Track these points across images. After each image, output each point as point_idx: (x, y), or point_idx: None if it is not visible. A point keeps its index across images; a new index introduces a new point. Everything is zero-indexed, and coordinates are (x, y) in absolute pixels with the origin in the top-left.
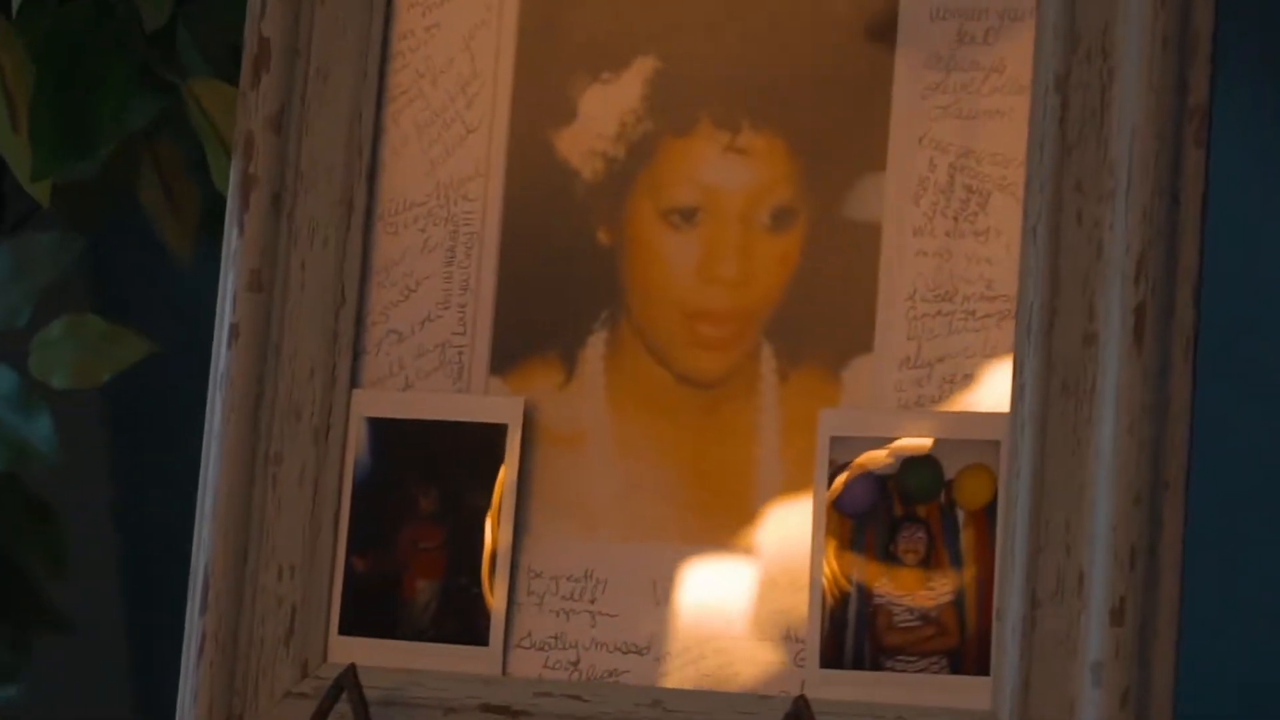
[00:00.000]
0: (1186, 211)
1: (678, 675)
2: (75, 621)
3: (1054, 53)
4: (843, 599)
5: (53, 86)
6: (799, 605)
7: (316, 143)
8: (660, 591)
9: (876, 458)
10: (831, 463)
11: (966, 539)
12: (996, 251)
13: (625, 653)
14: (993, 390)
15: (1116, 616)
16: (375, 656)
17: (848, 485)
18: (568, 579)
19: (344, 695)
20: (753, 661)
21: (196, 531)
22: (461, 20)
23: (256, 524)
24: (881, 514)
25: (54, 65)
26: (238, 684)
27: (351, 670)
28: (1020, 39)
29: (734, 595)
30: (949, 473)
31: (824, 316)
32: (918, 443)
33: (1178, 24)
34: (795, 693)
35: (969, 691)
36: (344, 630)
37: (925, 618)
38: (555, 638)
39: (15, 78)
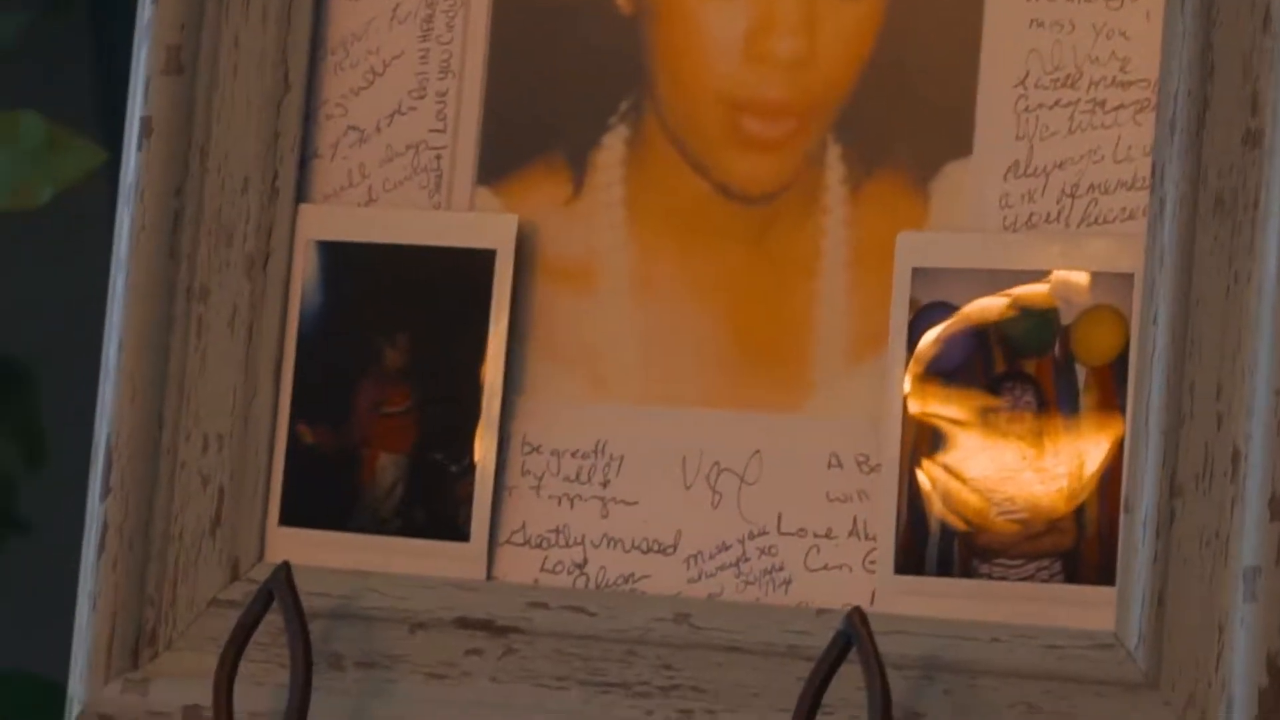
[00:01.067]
0: None
1: (712, 581)
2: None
3: None
4: (925, 484)
5: None
6: (870, 490)
7: None
8: (691, 471)
9: (973, 297)
10: (913, 303)
11: (1088, 404)
12: (1133, 22)
13: (646, 552)
14: (1125, 206)
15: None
16: (324, 554)
17: (935, 332)
18: (572, 454)
19: (276, 603)
20: (809, 566)
21: (101, 391)
22: None
23: (175, 381)
24: (978, 371)
25: None
26: (150, 589)
27: (284, 571)
28: None
29: (786, 476)
30: (1066, 317)
31: (909, 109)
32: (1027, 278)
33: None
34: (866, 607)
35: (1087, 605)
36: (285, 520)
37: (1032, 508)
38: (556, 531)
39: None
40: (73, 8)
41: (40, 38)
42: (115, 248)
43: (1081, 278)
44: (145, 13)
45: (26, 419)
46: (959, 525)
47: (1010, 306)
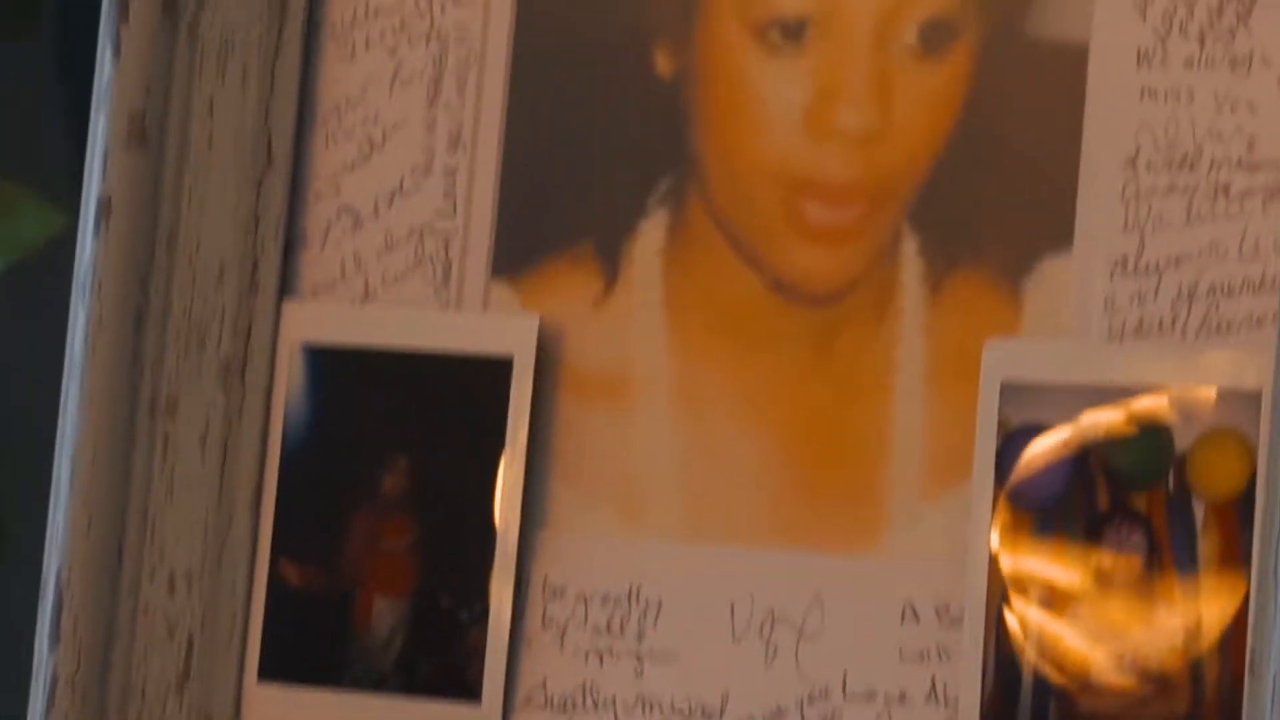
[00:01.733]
0: None
1: None
2: None
3: None
4: (1016, 639)
5: None
6: (951, 646)
7: None
8: (741, 621)
9: (1073, 419)
10: (1002, 424)
11: (1207, 547)
12: (1263, 91)
13: (687, 716)
14: (1253, 312)
15: None
16: (311, 715)
17: (1028, 461)
18: (603, 600)
19: None
20: None
21: (51, 519)
22: None
23: (137, 508)
24: (1079, 505)
25: None
26: None
27: None
28: None
29: (852, 629)
30: (1182, 442)
31: (998, 191)
32: (1140, 398)
33: None
34: None
35: None
36: (265, 674)
37: (1141, 668)
38: (583, 691)
39: None
40: (36, 49)
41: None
42: (68, 349)
43: (1201, 396)
44: (104, 72)
45: None
46: (1056, 687)
47: (1116, 429)
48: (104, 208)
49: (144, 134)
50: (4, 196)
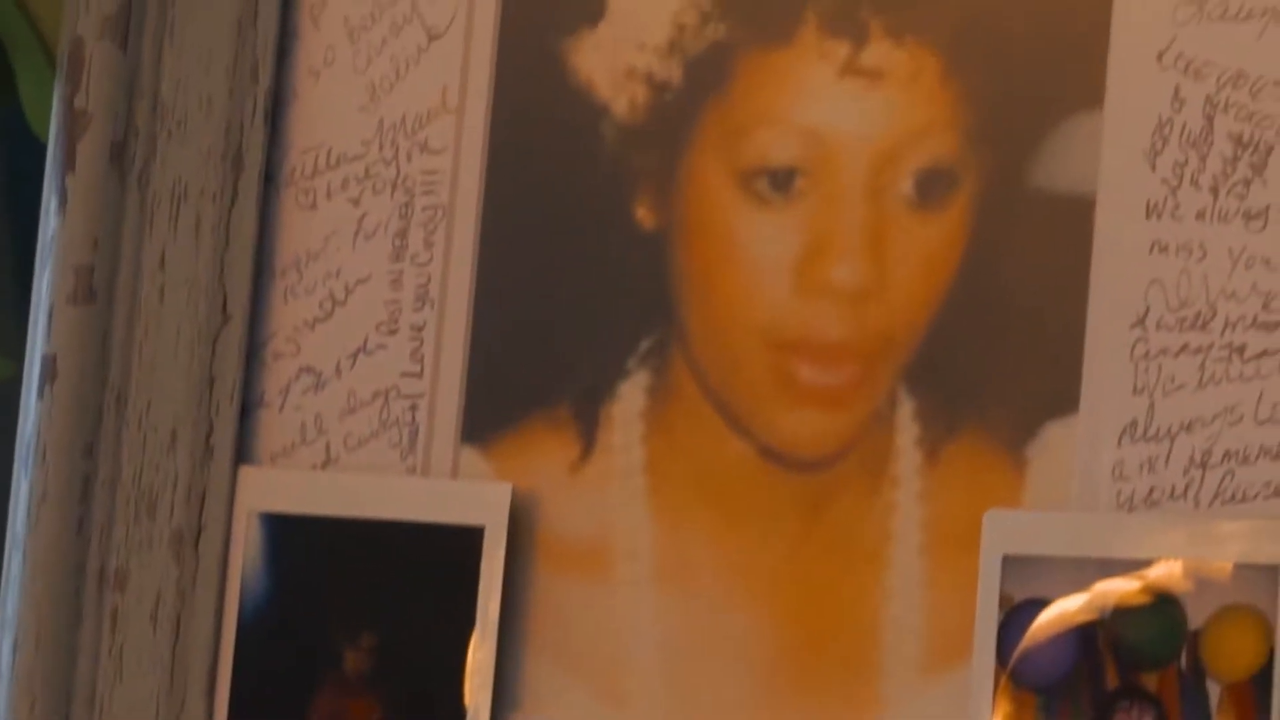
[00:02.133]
0: None
1: None
2: None
3: None
4: None
5: None
6: None
7: (185, 58)
8: None
9: (1079, 595)
10: (1004, 599)
11: None
12: None
13: None
14: (1270, 480)
15: None
16: None
17: (1031, 637)
18: None
19: None
20: None
21: None
22: None
23: (83, 688)
24: (1086, 685)
25: None
26: None
27: None
28: None
29: None
30: (1196, 619)
31: (1000, 351)
32: (1150, 572)
33: None
34: None
35: None
36: None
37: None
38: None
39: None
40: None
41: None
42: (10, 520)
43: (1215, 569)
44: (49, 226)
45: None
46: None
47: (1126, 604)
48: (49, 367)
49: (91, 289)
50: None
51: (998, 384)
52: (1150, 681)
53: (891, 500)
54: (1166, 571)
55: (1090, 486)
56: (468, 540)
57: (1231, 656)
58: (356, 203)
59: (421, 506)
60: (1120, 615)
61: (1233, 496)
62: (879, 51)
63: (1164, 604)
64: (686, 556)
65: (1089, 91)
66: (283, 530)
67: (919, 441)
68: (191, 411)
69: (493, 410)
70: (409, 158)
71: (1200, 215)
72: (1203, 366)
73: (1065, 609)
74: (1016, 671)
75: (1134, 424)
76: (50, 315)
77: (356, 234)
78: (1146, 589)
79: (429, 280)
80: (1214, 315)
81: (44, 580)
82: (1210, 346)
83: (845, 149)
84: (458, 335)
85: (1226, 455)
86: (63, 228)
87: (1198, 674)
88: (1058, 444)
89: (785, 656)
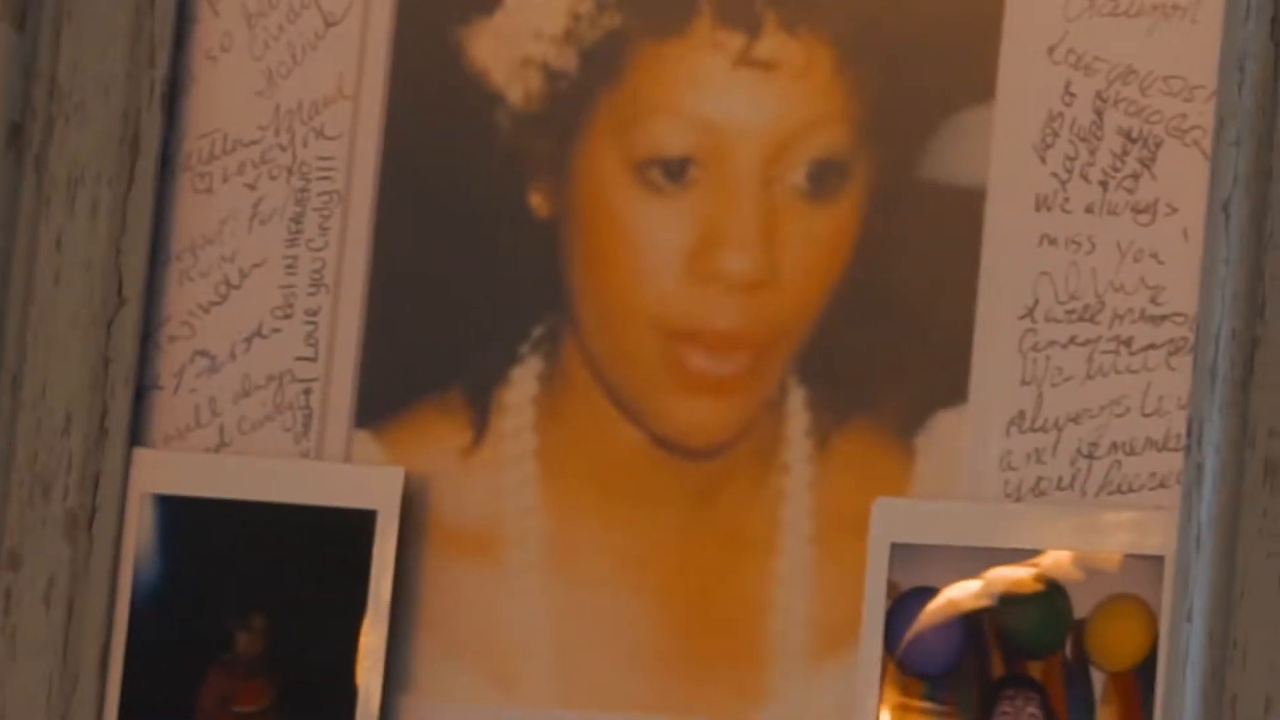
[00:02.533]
0: None
1: None
2: None
3: None
4: None
5: None
6: None
7: (82, 41)
8: None
9: (966, 583)
10: (892, 587)
11: (1107, 717)
12: (1168, 241)
13: None
14: (1155, 472)
15: None
16: None
17: (919, 625)
18: None
19: None
20: None
21: None
22: None
23: None
24: (972, 673)
25: None
26: None
27: None
28: None
29: None
30: (1081, 609)
31: (890, 341)
32: (1035, 561)
33: None
34: None
35: None
36: None
37: None
38: None
39: None
40: None
41: None
42: None
43: (1101, 560)
44: None
45: None
46: None
47: (1012, 593)
48: None
49: None
50: None
51: (887, 374)
52: (1036, 670)
53: (781, 488)
54: (1053, 561)
55: (978, 476)
56: (360, 524)
57: (1116, 646)
58: (253, 187)
59: (315, 490)
60: (1006, 604)
61: (1119, 487)
62: (773, 43)
63: (1050, 593)
64: (576, 543)
65: (981, 85)
66: (176, 512)
67: (809, 430)
68: (86, 394)
69: (386, 395)
70: (305, 143)
71: (1089, 209)
72: (1090, 359)
73: (952, 597)
74: (904, 659)
75: (1021, 415)
76: None
77: (252, 219)
78: (1032, 578)
79: (324, 265)
80: (1102, 308)
81: None
82: (1098, 339)
83: (738, 139)
84: (352, 320)
85: (1113, 446)
86: None
87: (1082, 663)
88: (946, 434)
89: (674, 642)
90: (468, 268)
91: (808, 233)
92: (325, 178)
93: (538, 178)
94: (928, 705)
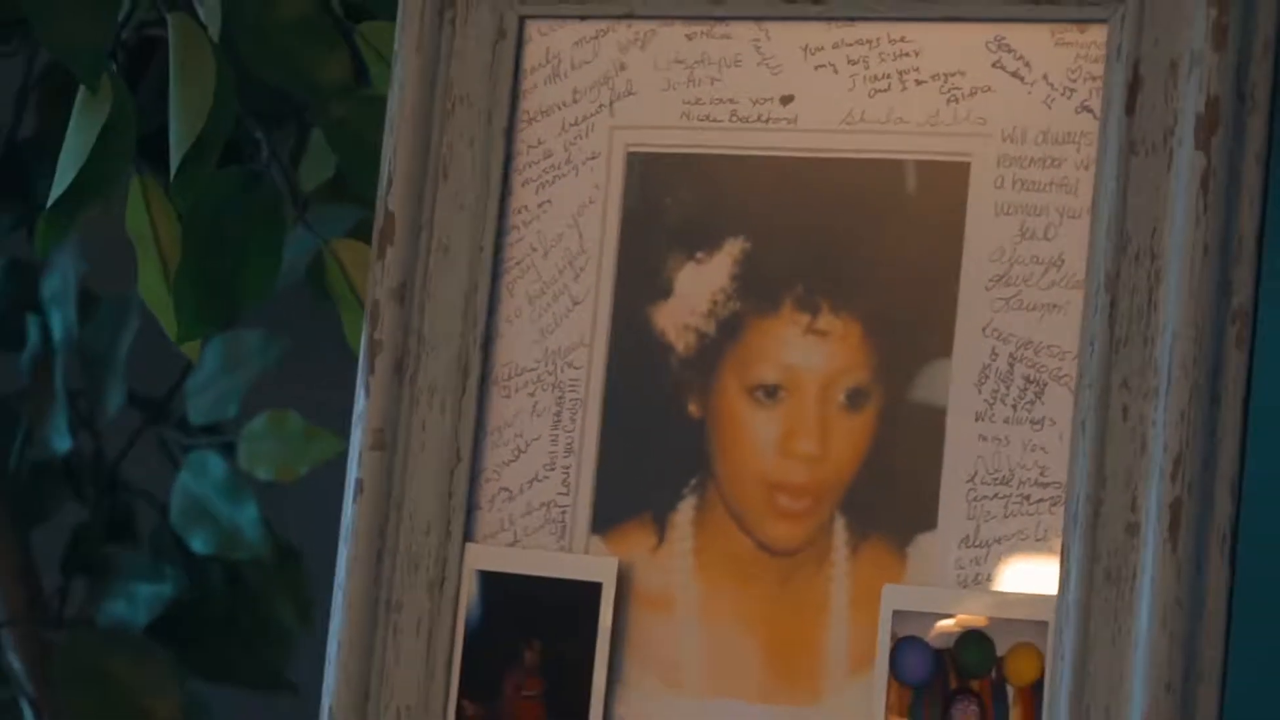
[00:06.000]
0: (1227, 411)
1: None
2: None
3: (1105, 252)
4: None
5: (198, 257)
6: None
7: (437, 312)
8: None
9: (935, 632)
10: (893, 635)
11: (1016, 715)
12: (1050, 440)
13: None
14: (1043, 573)
15: None
16: None
17: (908, 657)
18: None
19: None
20: None
21: (325, 674)
22: (571, 198)
23: (377, 668)
24: (938, 686)
25: (200, 236)
26: None
27: None
28: (1077, 235)
29: None
30: (1001, 649)
31: (893, 494)
32: (973, 619)
33: (1219, 229)
34: None
35: None
36: None
37: None
38: None
39: (168, 241)
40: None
41: (300, 354)
42: (337, 572)
43: (1012, 623)
44: (359, 405)
45: (298, 588)
46: None
47: (962, 640)
48: (359, 487)
49: (384, 442)
50: (308, 430)
51: (891, 511)
52: (975, 685)
53: (830, 575)
54: (985, 619)
55: (942, 572)
56: (593, 591)
57: (1020, 672)
58: (532, 395)
59: (567, 569)
60: (959, 643)
61: (1018, 583)
62: (825, 320)
63: (984, 638)
64: (715, 602)
65: (945, 347)
66: (489, 581)
67: (846, 543)
68: (440, 511)
69: (608, 515)
70: (562, 370)
71: (1006, 420)
72: (1006, 506)
73: (927, 642)
74: (900, 677)
75: (967, 537)
76: (360, 456)
77: (532, 413)
78: (974, 629)
79: (573, 440)
80: (1012, 477)
81: (355, 608)
82: (1010, 495)
83: (807, 376)
84: (589, 475)
85: (1011, 558)
86: (366, 407)
87: (1003, 682)
88: (925, 548)
89: (769, 657)
90: (656, 446)
91: (846, 430)
92: (573, 390)
93: (693, 395)
94: (914, 704)
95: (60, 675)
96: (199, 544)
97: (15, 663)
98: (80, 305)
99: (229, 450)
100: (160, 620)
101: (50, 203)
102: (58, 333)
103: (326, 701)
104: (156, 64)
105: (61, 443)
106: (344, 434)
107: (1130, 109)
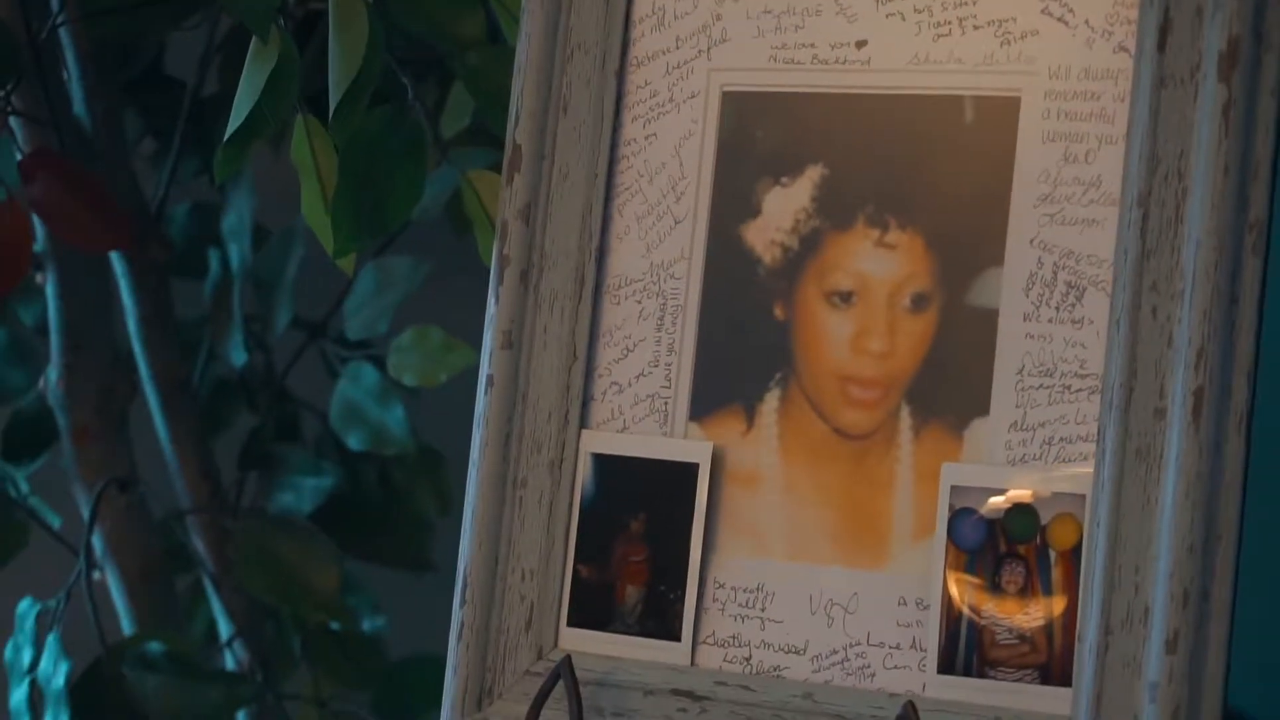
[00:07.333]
0: (1244, 310)
1: (827, 673)
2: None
3: (1138, 173)
4: (957, 618)
5: (353, 183)
6: (924, 620)
7: (557, 230)
8: (816, 604)
9: (987, 504)
10: (951, 507)
11: (1056, 575)
12: (1089, 337)
13: (787, 652)
14: (1081, 452)
15: (1171, 646)
16: (592, 645)
17: (964, 526)
18: (744, 590)
19: (562, 678)
20: (886, 665)
21: (462, 540)
22: (674, 131)
23: (505, 536)
24: (990, 551)
25: (354, 165)
26: (489, 662)
27: (567, 660)
28: (1114, 159)
29: (874, 610)
30: (1044, 519)
31: (951, 385)
32: (1020, 493)
33: (1239, 152)
34: (919, 693)
35: (1054, 700)
36: (571, 623)
37: (1022, 637)
38: (733, 637)
39: (327, 171)
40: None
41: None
42: (471, 454)
43: (1054, 496)
44: (490, 310)
45: (439, 483)
46: (977, 645)
47: (1010, 511)
48: (490, 381)
49: (510, 341)
50: (447, 342)
51: (949, 401)
52: (1022, 549)
53: (897, 456)
54: (1030, 492)
55: (994, 452)
56: (691, 470)
57: (1061, 539)
58: (639, 302)
59: (668, 452)
60: (1008, 514)
61: (1063, 459)
62: (893, 235)
63: (1030, 509)
64: (796, 479)
65: (998, 256)
66: (601, 462)
67: (911, 427)
68: (559, 402)
69: (704, 405)
70: (665, 281)
71: (1050, 320)
72: (1050, 395)
73: (981, 513)
74: (956, 542)
75: (1015, 422)
76: (491, 355)
77: (639, 317)
78: (1021, 502)
79: (674, 341)
80: (1055, 369)
81: (487, 482)
82: (1054, 385)
83: (877, 282)
84: (687, 371)
85: (1061, 439)
86: (496, 311)
87: (1045, 547)
88: (979, 431)
89: (844, 527)
90: (745, 345)
91: (910, 330)
92: (674, 298)
93: (778, 301)
94: (970, 565)
95: (237, 556)
96: (354, 442)
97: (200, 546)
98: (254, 239)
99: (380, 361)
100: (321, 509)
101: (227, 136)
102: (235, 263)
103: (462, 564)
104: (317, 36)
105: (238, 359)
106: (478, 347)
107: (1161, 48)
